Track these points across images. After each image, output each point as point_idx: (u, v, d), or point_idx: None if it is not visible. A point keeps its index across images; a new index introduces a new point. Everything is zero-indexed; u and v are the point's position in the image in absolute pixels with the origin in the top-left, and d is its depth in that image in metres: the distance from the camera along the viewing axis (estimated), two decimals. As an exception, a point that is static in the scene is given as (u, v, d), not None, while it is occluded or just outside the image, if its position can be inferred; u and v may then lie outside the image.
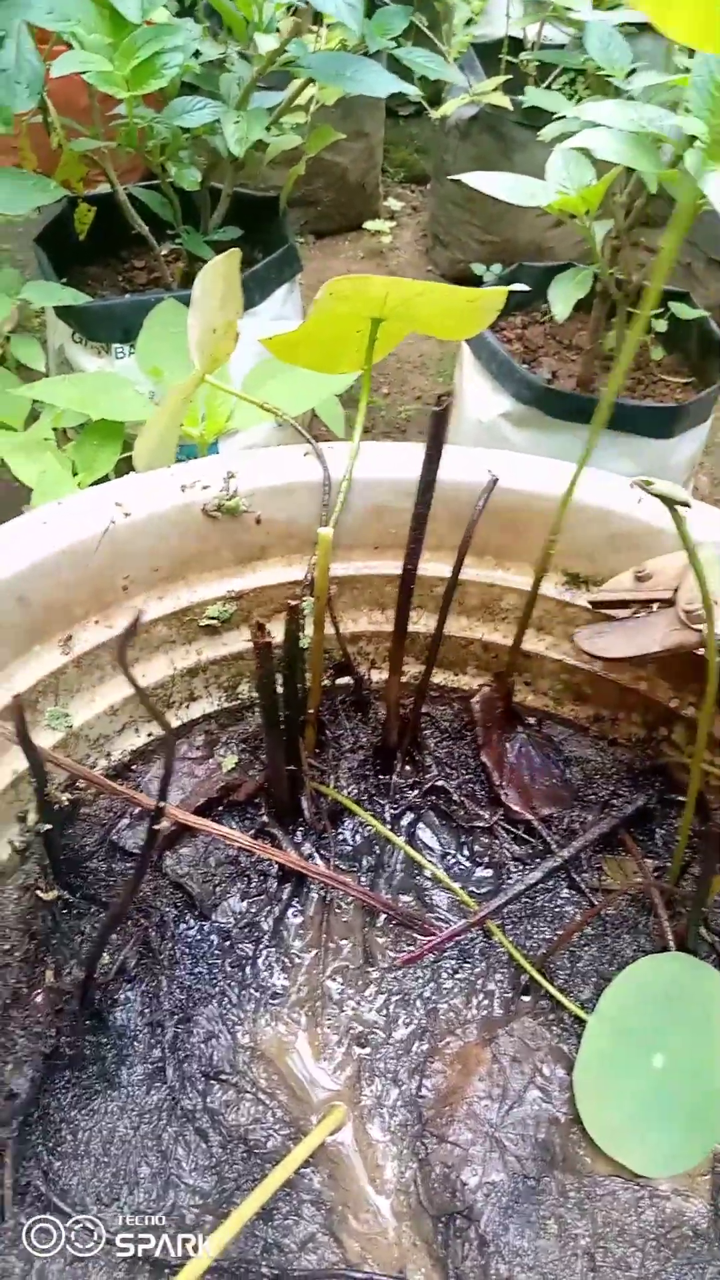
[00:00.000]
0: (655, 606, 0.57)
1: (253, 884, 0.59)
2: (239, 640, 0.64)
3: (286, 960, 0.56)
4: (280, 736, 0.56)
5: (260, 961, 0.56)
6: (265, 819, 0.61)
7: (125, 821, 0.59)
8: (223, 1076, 0.50)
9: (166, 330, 1.01)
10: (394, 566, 0.64)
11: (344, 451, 0.61)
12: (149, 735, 0.64)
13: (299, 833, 0.61)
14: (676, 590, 0.55)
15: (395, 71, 1.11)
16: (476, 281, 1.59)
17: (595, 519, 0.61)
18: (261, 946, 0.56)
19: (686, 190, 0.85)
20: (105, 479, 0.95)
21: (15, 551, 0.52)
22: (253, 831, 0.60)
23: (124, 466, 0.95)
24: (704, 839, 0.55)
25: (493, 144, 1.94)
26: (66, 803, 0.56)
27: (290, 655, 0.53)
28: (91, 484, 0.92)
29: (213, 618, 0.62)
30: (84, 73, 0.87)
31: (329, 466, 0.60)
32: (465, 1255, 0.45)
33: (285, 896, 0.58)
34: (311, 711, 0.61)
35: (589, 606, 0.62)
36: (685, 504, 0.45)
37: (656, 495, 0.44)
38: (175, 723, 0.65)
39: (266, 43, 1.00)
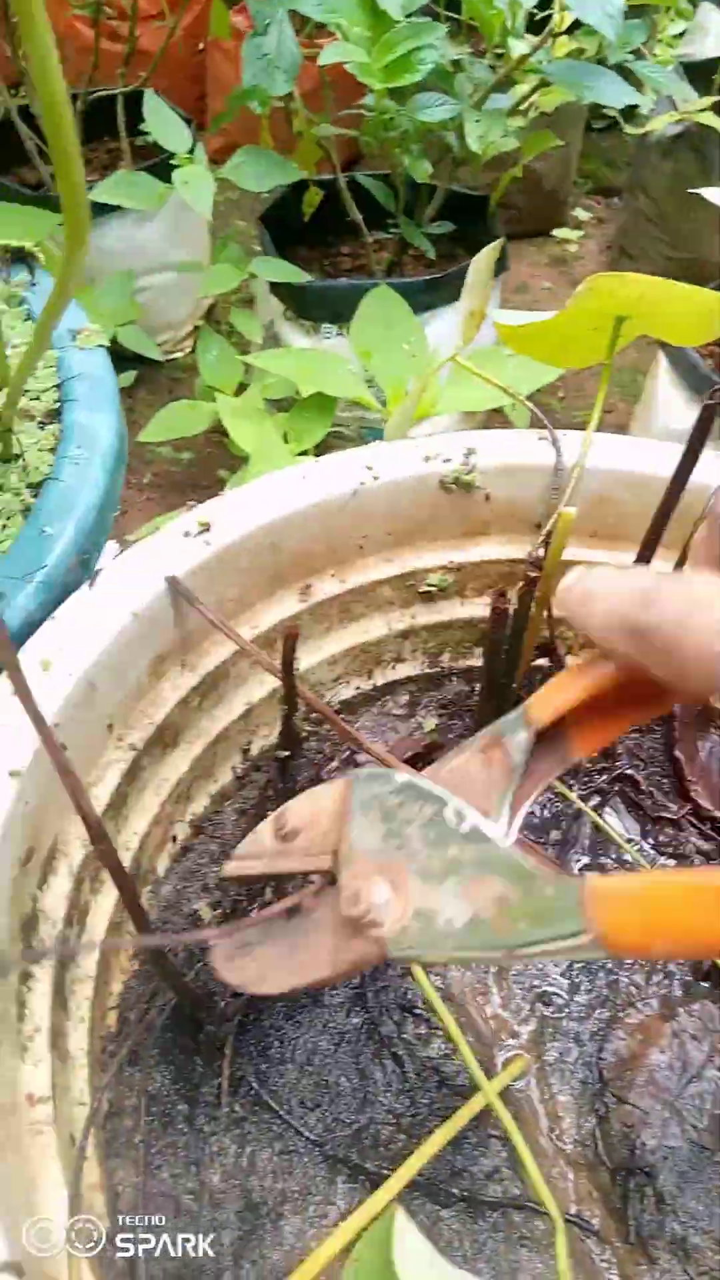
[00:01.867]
0: (313, 882, 0.39)
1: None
2: (451, 610, 0.66)
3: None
4: (495, 703, 0.59)
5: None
6: (464, 781, 0.63)
7: (334, 764, 0.63)
8: (416, 1011, 0.53)
9: (378, 315, 1.05)
10: (604, 555, 0.66)
11: (575, 440, 0.63)
12: (357, 689, 0.67)
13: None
14: (335, 856, 0.38)
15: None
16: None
17: None
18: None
19: None
20: (312, 451, 0.99)
21: (275, 501, 0.56)
22: (453, 791, 0.62)
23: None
24: None
25: (694, 163, 1.93)
26: (306, 734, 0.60)
27: (519, 625, 0.55)
28: (299, 454, 0.97)
29: (431, 585, 0.65)
30: (345, 63, 0.91)
31: (562, 452, 0.62)
32: (643, 1209, 0.47)
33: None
34: (515, 686, 0.64)
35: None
36: None
37: None
38: (380, 681, 0.68)
39: (518, 47, 1.03)
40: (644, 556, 0.57)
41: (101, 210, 1.46)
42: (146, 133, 1.81)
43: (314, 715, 0.63)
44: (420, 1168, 0.43)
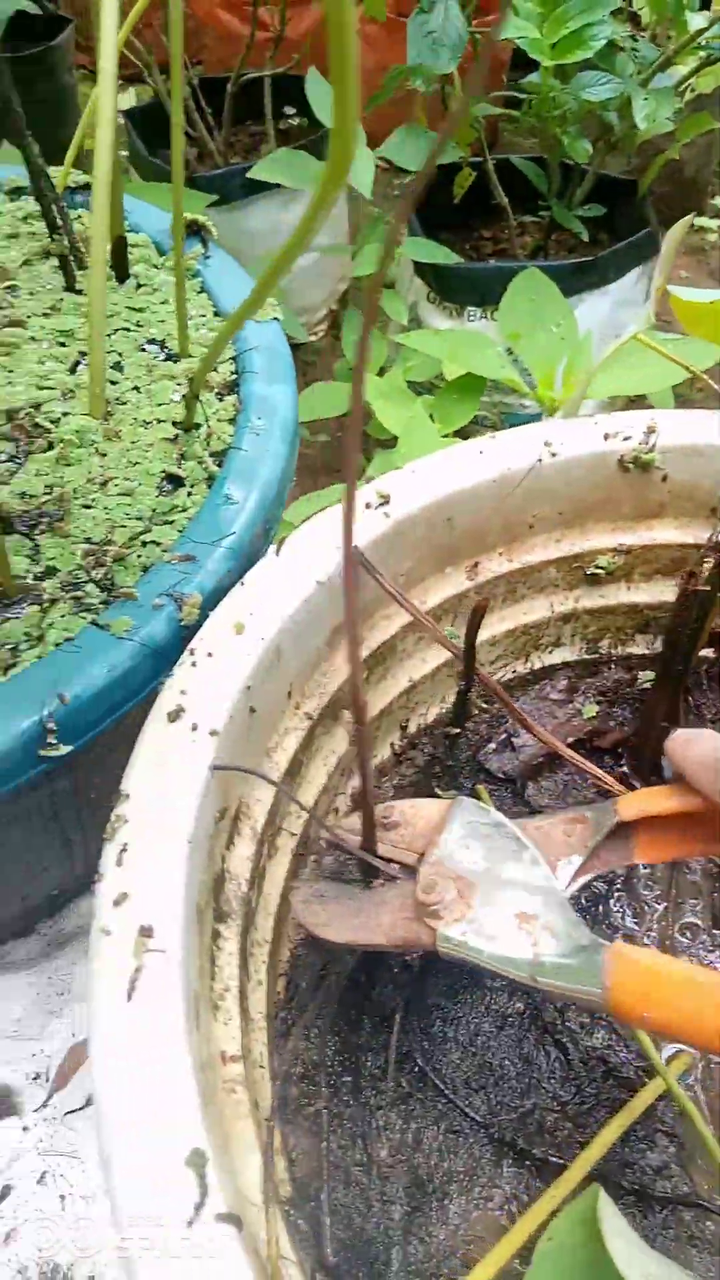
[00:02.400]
0: (395, 869, 0.44)
1: (609, 830, 0.60)
2: (616, 594, 0.65)
3: (637, 906, 0.57)
4: (667, 690, 0.57)
5: (612, 902, 0.57)
6: (626, 770, 0.62)
7: (492, 746, 0.62)
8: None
9: (527, 298, 1.03)
10: None
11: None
12: (513, 672, 0.66)
13: (655, 791, 0.62)
14: (423, 857, 0.43)
15: None
16: None
17: None
18: (614, 889, 0.58)
19: None
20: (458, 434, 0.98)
21: (453, 475, 0.56)
22: (614, 779, 0.61)
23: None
24: None
25: None
26: (478, 711, 0.60)
27: (703, 611, 0.54)
28: (445, 436, 0.96)
29: (599, 568, 0.63)
30: (518, 39, 0.89)
31: (750, 436, 0.60)
32: None
33: (640, 848, 0.59)
34: (684, 676, 0.62)
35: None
36: None
37: None
38: (537, 665, 0.67)
39: (695, 21, 1.00)
40: None
41: (249, 190, 1.47)
42: (289, 115, 1.82)
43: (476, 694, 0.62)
44: (595, 1161, 0.43)
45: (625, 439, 0.60)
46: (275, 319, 0.67)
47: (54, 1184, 0.62)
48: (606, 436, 0.60)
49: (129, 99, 2.40)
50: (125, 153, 1.81)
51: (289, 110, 1.76)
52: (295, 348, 1.81)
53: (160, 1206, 0.29)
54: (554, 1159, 0.46)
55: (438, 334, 0.99)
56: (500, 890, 0.41)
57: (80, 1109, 0.64)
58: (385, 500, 0.54)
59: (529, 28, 0.92)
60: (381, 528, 0.53)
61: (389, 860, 0.44)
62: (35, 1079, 0.66)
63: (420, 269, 1.21)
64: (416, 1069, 0.48)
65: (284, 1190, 0.40)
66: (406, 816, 0.45)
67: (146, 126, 1.65)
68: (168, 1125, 0.30)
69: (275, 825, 0.49)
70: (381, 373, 1.20)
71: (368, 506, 0.54)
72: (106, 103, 0.58)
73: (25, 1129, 0.64)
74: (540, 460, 0.58)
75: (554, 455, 0.58)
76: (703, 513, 0.63)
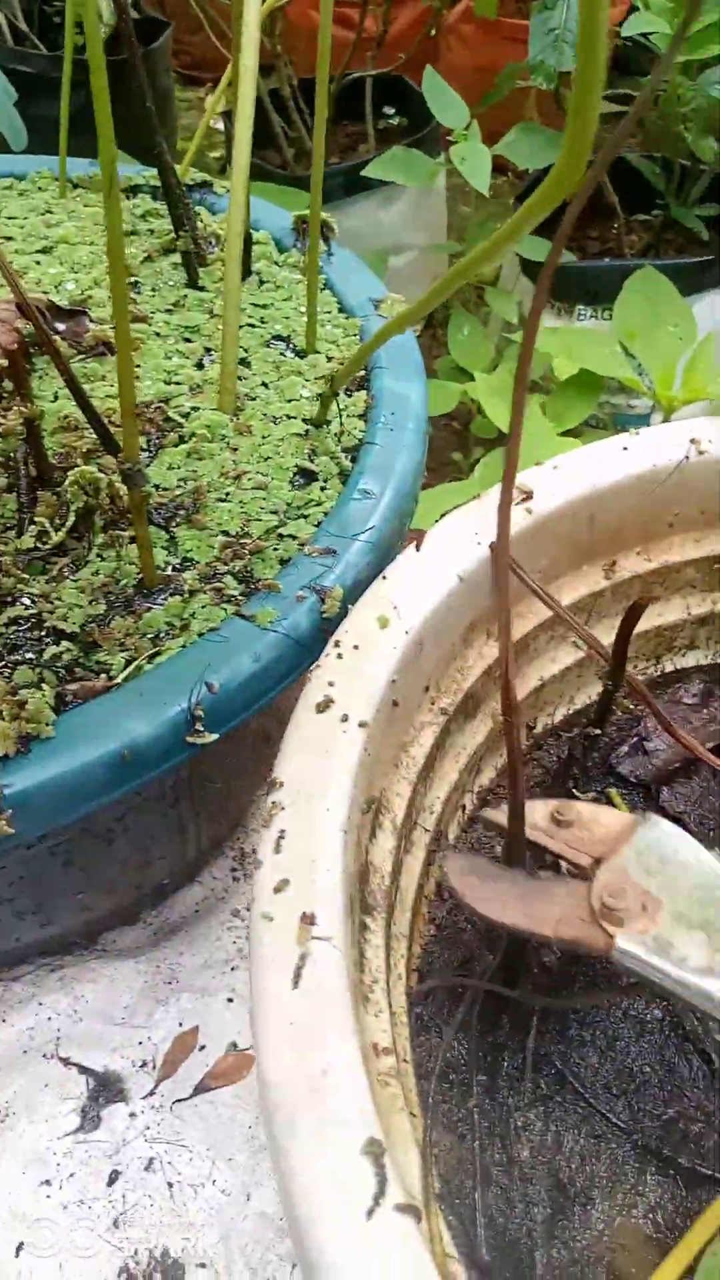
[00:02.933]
0: (564, 868, 0.43)
1: (744, 837, 0.59)
2: (755, 597, 0.63)
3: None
4: None
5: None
6: (764, 777, 0.60)
7: (624, 749, 0.61)
8: (721, 1009, 0.51)
9: (644, 297, 1.01)
10: None
11: None
12: (644, 674, 0.65)
13: None
14: (599, 862, 0.41)
15: None
16: None
17: None
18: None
19: None
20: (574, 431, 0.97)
21: (595, 472, 0.55)
22: (752, 786, 0.60)
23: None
24: None
25: None
26: (621, 713, 0.59)
27: None
28: (561, 434, 0.95)
29: (739, 570, 0.62)
30: (651, 34, 0.88)
31: None
32: None
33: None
34: None
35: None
36: None
37: None
38: (669, 668, 0.66)
39: None
40: None
41: (349, 190, 1.48)
42: (389, 115, 1.82)
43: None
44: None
45: (773, 436, 0.58)
46: (403, 314, 0.67)
47: (162, 1171, 0.62)
48: (754, 433, 0.58)
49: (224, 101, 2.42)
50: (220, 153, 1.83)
51: (388, 110, 1.76)
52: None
53: (339, 1196, 0.28)
54: (701, 1169, 0.45)
55: (553, 331, 0.98)
56: (692, 913, 0.39)
57: (187, 1099, 0.65)
58: (528, 496, 0.53)
59: (660, 23, 0.91)
60: (524, 523, 0.53)
61: (559, 857, 0.42)
62: (142, 1066, 0.66)
63: (528, 267, 1.20)
64: (555, 1071, 0.47)
65: (435, 1187, 0.40)
66: (584, 818, 0.43)
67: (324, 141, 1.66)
68: (341, 1113, 0.30)
69: (412, 820, 0.49)
70: (487, 372, 1.19)
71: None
72: (246, 100, 0.59)
73: (133, 1115, 0.64)
74: (687, 458, 0.57)
75: (701, 453, 0.57)
76: None
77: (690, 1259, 0.33)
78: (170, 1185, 0.62)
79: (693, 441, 0.56)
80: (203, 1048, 0.67)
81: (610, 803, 0.59)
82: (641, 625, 0.62)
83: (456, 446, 1.54)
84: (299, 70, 2.51)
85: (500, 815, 0.44)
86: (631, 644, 0.63)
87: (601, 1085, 0.48)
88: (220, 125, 1.75)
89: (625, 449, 0.56)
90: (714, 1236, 0.35)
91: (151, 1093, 0.65)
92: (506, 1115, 0.46)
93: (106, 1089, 0.65)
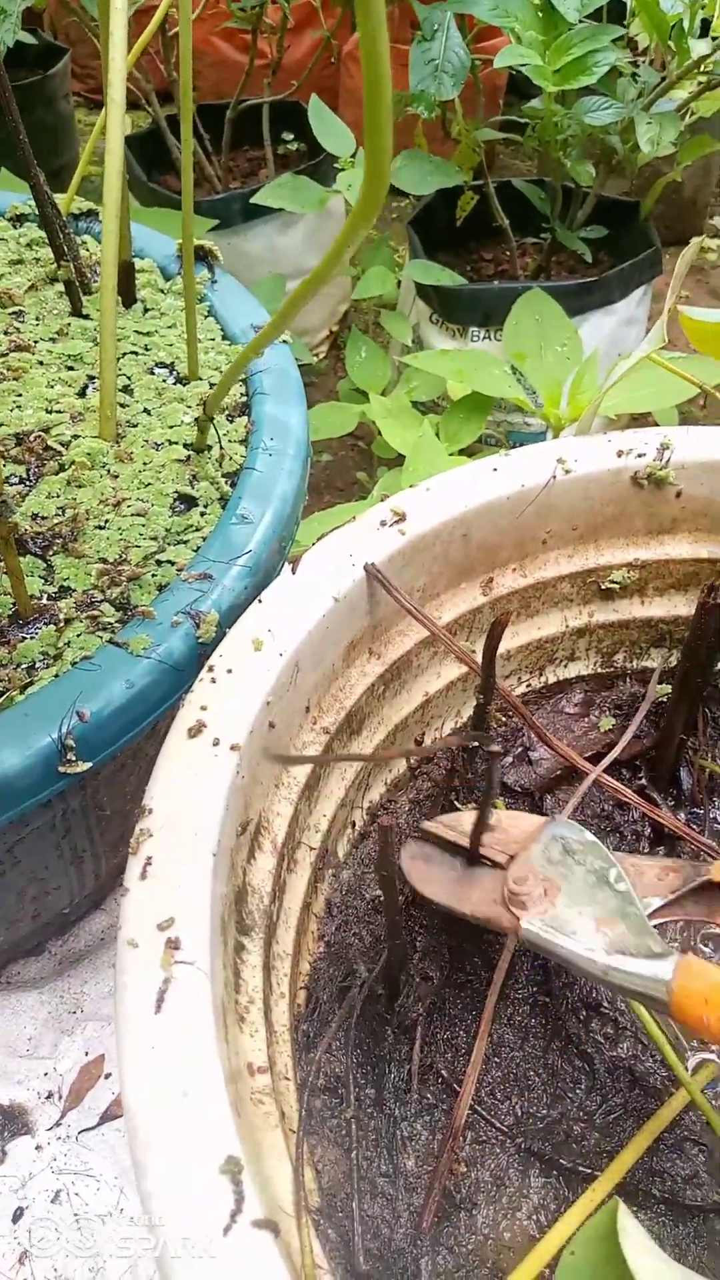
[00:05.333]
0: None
1: (625, 841, 0.60)
2: (630, 609, 0.65)
3: (660, 927, 0.57)
4: (685, 702, 0.57)
5: (632, 914, 0.57)
6: (644, 782, 0.62)
7: (509, 760, 0.62)
8: (603, 1010, 0.52)
9: (532, 318, 1.04)
10: None
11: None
12: (528, 686, 0.66)
13: (673, 803, 0.62)
14: (513, 858, 0.47)
15: None
16: None
17: None
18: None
19: None
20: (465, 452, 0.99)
21: (467, 492, 0.56)
22: (632, 791, 0.61)
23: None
24: None
25: None
26: (501, 724, 0.60)
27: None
28: (454, 454, 0.97)
29: (614, 582, 0.64)
30: (521, 66, 0.91)
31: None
32: None
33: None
34: (705, 691, 0.62)
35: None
36: None
37: None
38: (552, 679, 0.67)
39: (698, 48, 1.01)
40: None
41: (248, 215, 1.49)
42: (287, 141, 1.84)
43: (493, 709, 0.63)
44: (625, 1172, 0.43)
45: (639, 456, 0.60)
46: (284, 341, 0.68)
47: (69, 1202, 0.62)
48: (620, 453, 0.60)
49: (127, 126, 2.43)
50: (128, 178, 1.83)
51: (287, 136, 1.78)
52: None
53: (196, 1214, 0.29)
54: (582, 1168, 0.46)
55: (445, 354, 1.00)
56: (583, 895, 0.45)
57: (94, 1127, 0.64)
58: (401, 518, 0.54)
59: (532, 55, 0.94)
60: (397, 544, 0.54)
61: (482, 857, 0.48)
62: (48, 1098, 0.66)
63: (423, 290, 1.22)
64: (441, 1080, 0.48)
65: (313, 1200, 0.40)
66: (504, 823, 0.49)
67: (145, 153, 1.67)
68: (201, 1133, 0.31)
69: (295, 839, 0.50)
70: (385, 393, 1.21)
71: (383, 524, 0.54)
72: (115, 131, 0.59)
73: (39, 1148, 0.64)
74: (554, 477, 0.58)
75: (568, 472, 0.59)
76: (718, 528, 0.63)
77: (550, 1257, 0.34)
78: (77, 1217, 0.61)
79: (559, 461, 0.58)
80: (109, 1075, 0.67)
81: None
82: (523, 639, 0.64)
83: (363, 466, 1.56)
84: (204, 95, 2.52)
85: (435, 826, 0.50)
86: (514, 658, 0.65)
87: (487, 1092, 0.49)
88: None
89: (495, 470, 0.57)
90: (572, 1235, 0.36)
91: (58, 1123, 0.65)
92: (393, 1126, 0.46)
93: (11, 1123, 0.64)
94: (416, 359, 0.98)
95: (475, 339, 1.24)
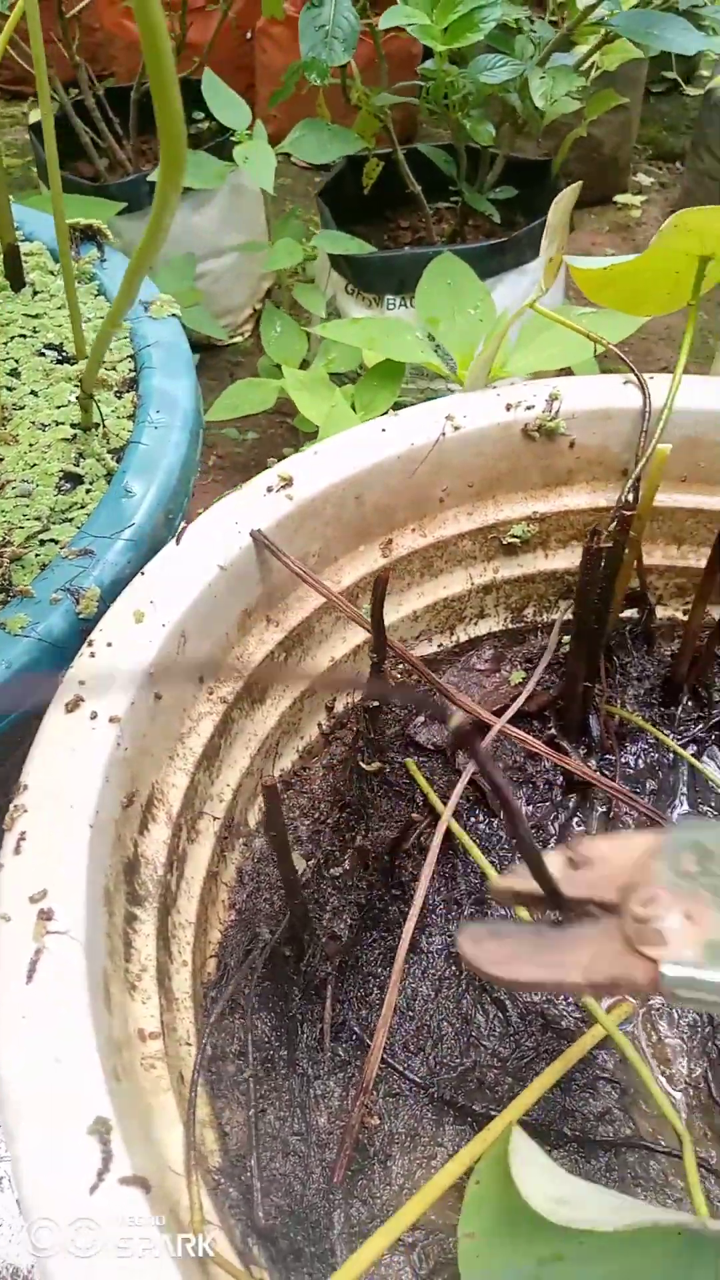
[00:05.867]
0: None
1: (538, 791, 0.61)
2: (534, 563, 0.66)
3: (572, 864, 0.58)
4: (584, 650, 0.58)
5: (547, 862, 0.58)
6: (554, 732, 0.63)
7: (420, 719, 0.63)
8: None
9: (443, 282, 1.04)
10: (698, 500, 0.64)
11: (663, 384, 0.62)
12: (439, 645, 0.67)
13: (584, 751, 0.63)
14: (630, 889, 0.34)
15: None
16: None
17: None
18: (549, 848, 0.58)
19: None
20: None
21: (356, 454, 0.56)
22: (543, 741, 0.62)
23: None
24: None
25: (761, 116, 1.88)
26: (397, 681, 0.60)
27: (611, 570, 0.55)
28: (369, 422, 0.96)
29: (514, 537, 0.64)
30: (407, 26, 0.90)
31: (650, 394, 0.61)
32: (759, 1151, 0.46)
33: (571, 805, 0.60)
34: (605, 638, 0.63)
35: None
36: None
37: None
38: (464, 637, 0.68)
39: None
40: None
41: (161, 197, 1.47)
42: (198, 120, 1.82)
43: (401, 668, 0.63)
44: (530, 1106, 0.43)
45: (528, 408, 0.60)
46: (173, 315, 0.68)
47: (13, 1189, 0.62)
48: (509, 407, 0.60)
49: (35, 113, 2.39)
50: (36, 166, 1.81)
51: (198, 115, 1.76)
52: (221, 349, 1.81)
53: (63, 1175, 0.29)
54: (495, 1113, 0.46)
55: (355, 323, 0.99)
56: None
57: None
58: (287, 483, 0.54)
59: (418, 14, 0.93)
60: (285, 509, 0.54)
61: (585, 902, 0.35)
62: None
63: (337, 261, 1.22)
64: (354, 1037, 0.48)
65: (215, 1161, 0.40)
66: (602, 852, 0.36)
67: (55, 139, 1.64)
68: (71, 1098, 0.31)
69: (195, 810, 0.49)
70: (304, 366, 1.21)
71: (269, 490, 0.54)
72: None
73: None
74: (444, 434, 0.58)
75: (457, 428, 0.59)
76: (613, 476, 0.64)
77: (442, 1190, 0.35)
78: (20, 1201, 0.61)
79: (448, 418, 0.58)
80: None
81: (409, 773, 0.60)
82: (429, 598, 0.64)
83: (291, 443, 1.56)
84: (121, 78, 2.49)
85: (514, 880, 0.35)
86: (423, 618, 0.65)
87: (400, 1045, 0.49)
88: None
89: (384, 430, 0.57)
90: (474, 1166, 0.36)
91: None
92: (306, 1085, 0.47)
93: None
94: (326, 329, 0.97)
95: (391, 307, 1.23)
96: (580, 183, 0.61)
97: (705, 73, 2.40)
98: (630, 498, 0.59)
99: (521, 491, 0.63)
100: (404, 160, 1.21)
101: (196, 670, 0.50)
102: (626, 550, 0.57)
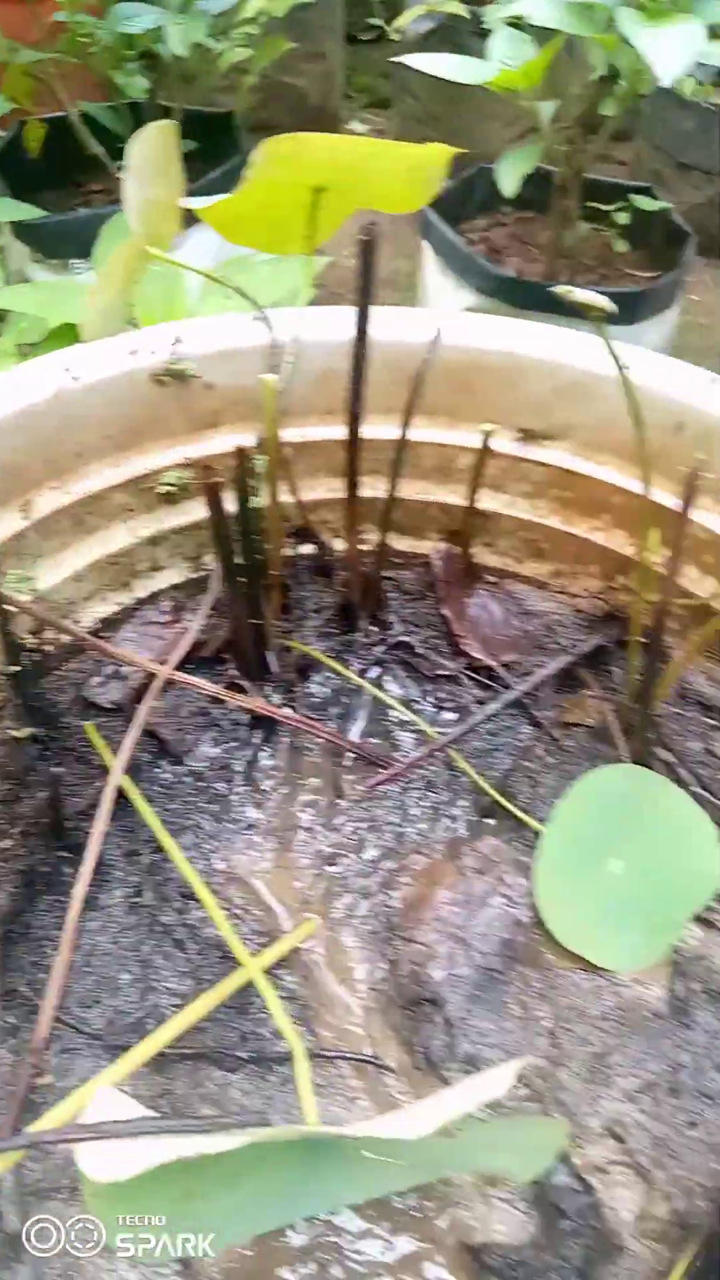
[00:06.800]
0: None
1: (224, 732, 0.61)
2: (198, 510, 0.65)
3: (258, 796, 0.58)
4: (240, 589, 0.58)
5: (233, 798, 0.58)
6: (234, 673, 0.63)
7: (97, 679, 0.62)
8: (199, 896, 0.53)
9: (120, 239, 1.02)
10: (345, 433, 0.66)
11: (291, 316, 0.63)
12: (118, 605, 0.66)
13: (268, 688, 0.63)
14: None
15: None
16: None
17: (544, 373, 0.62)
18: (234, 785, 0.59)
19: (626, 55, 0.86)
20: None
21: (-33, 415, 0.54)
22: (223, 684, 0.62)
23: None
24: (645, 649, 0.57)
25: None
26: (32, 645, 0.59)
27: (243, 504, 0.55)
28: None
29: (170, 484, 0.63)
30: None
31: (276, 330, 0.61)
32: (432, 1036, 0.48)
33: (257, 742, 0.61)
34: (274, 574, 0.63)
35: (543, 462, 0.62)
36: (604, 310, 0.46)
37: (575, 303, 0.46)
38: (142, 593, 0.67)
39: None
40: (351, 425, 0.57)
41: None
42: None
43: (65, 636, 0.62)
44: (175, 1038, 0.43)
45: (152, 353, 0.60)
46: None
47: None
48: (132, 353, 0.60)
49: None
50: None
51: None
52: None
53: None
54: (168, 1051, 0.46)
55: (29, 288, 0.96)
56: None
57: None
58: None
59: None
60: None
61: None
62: None
63: (20, 231, 1.17)
64: (24, 1002, 0.48)
65: None
66: None
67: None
68: None
69: None
70: None
71: None
72: None
73: None
74: (62, 386, 0.57)
75: (76, 379, 0.58)
76: (259, 415, 0.64)
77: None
78: None
79: (66, 370, 0.57)
80: None
81: (90, 741, 0.59)
82: (90, 556, 0.63)
83: None
84: None
85: None
86: (88, 578, 0.64)
87: (76, 1002, 0.49)
88: None
89: (-4, 389, 0.56)
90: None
91: None
92: (-24, 1061, 0.46)
93: None
94: (2, 298, 0.94)
95: (79, 271, 1.20)
96: (173, 122, 0.60)
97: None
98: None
99: (167, 439, 0.63)
100: (79, 121, 1.17)
101: None
102: (263, 486, 0.58)
